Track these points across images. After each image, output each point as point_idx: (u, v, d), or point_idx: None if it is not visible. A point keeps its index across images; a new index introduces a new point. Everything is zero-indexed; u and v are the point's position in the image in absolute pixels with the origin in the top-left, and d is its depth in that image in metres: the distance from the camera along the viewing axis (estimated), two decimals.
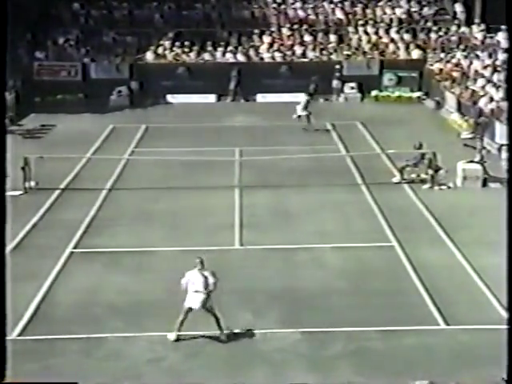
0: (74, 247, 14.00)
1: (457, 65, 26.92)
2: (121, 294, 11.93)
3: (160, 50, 29.20)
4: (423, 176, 17.79)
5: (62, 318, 11.03)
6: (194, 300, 10.39)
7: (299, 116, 23.11)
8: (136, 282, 12.39)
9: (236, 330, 10.76)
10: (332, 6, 31.20)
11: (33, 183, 17.36)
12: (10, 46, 27.64)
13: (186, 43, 29.26)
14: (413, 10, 31.00)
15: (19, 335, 10.74)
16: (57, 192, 17.29)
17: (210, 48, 29.25)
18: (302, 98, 23.45)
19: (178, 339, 10.45)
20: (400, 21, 30.55)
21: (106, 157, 20.04)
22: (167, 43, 29.39)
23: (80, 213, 15.70)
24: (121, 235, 14.62)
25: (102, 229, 14.96)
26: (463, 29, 29.86)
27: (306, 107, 23.11)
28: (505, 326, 10.66)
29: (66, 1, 30.74)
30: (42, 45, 28.97)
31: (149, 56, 29.01)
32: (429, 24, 30.40)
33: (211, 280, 10.44)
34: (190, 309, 10.44)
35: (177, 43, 29.36)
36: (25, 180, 17.22)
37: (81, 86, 27.92)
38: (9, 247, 13.70)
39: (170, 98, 27.92)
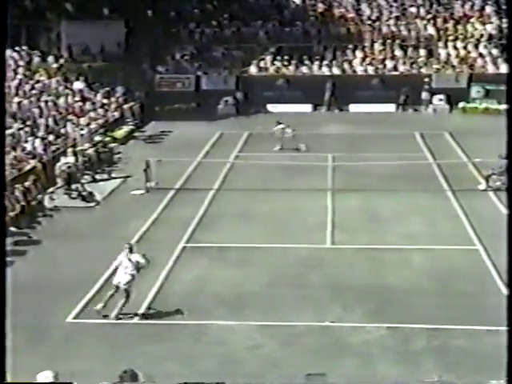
0: (187, 242, 14.36)
1: None
2: (225, 286, 12.16)
3: (262, 64, 29.47)
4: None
5: (175, 306, 11.32)
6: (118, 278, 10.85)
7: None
8: (238, 275, 12.59)
9: (327, 323, 10.73)
10: (424, 22, 30.34)
11: (153, 183, 17.90)
12: (136, 61, 29.16)
13: (286, 57, 29.36)
14: (504, 25, 29.61)
15: (140, 319, 11.09)
16: (172, 191, 17.80)
17: (307, 62, 29.20)
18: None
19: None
20: (490, 36, 29.27)
21: (214, 160, 20.45)
22: (269, 57, 29.60)
23: (191, 211, 16.08)
24: (226, 231, 14.89)
25: (210, 225, 15.29)
26: None
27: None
28: None
29: (184, 20, 31.65)
30: (162, 60, 29.96)
31: (252, 69, 29.34)
32: None
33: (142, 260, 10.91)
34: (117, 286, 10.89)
35: (277, 57, 29.51)
36: (146, 181, 17.80)
37: (193, 96, 28.53)
38: (132, 241, 14.33)
39: (270, 107, 28.10)
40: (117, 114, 25.27)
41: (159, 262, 12.98)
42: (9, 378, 7.55)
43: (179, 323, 10.90)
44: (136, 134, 24.73)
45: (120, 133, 23.94)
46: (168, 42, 30.48)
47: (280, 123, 22.13)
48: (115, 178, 19.17)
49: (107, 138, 22.27)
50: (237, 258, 13.52)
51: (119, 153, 21.81)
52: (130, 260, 10.95)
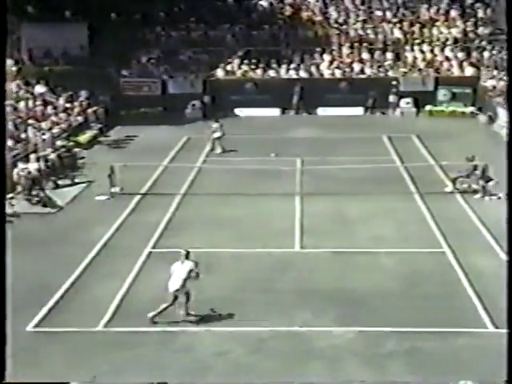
0: (153, 247, 14.29)
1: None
2: (192, 292, 12.10)
3: (230, 67, 29.53)
4: (475, 186, 17.36)
5: (141, 313, 11.23)
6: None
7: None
8: (206, 281, 12.49)
9: (295, 328, 10.77)
10: (391, 25, 30.80)
11: (118, 189, 17.79)
12: (101, 64, 28.83)
13: (254, 61, 29.47)
14: (468, 29, 30.25)
15: (105, 327, 11.03)
16: (138, 197, 17.69)
17: (274, 65, 29.37)
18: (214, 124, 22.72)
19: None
20: (455, 40, 29.85)
21: (181, 165, 20.38)
22: (236, 61, 29.68)
23: (158, 216, 16.01)
24: (193, 237, 14.80)
25: (177, 231, 15.22)
26: None
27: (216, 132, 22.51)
28: None
29: (150, 24, 31.51)
30: (128, 63, 29.77)
31: (220, 73, 29.37)
32: (483, 43, 29.58)
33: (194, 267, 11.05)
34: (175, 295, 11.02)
35: (245, 61, 29.61)
36: (111, 186, 17.68)
37: (160, 100, 28.42)
38: (96, 248, 14.21)
39: (238, 111, 28.16)
40: (80, 119, 24.99)
41: (124, 267, 12.88)
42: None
43: (144, 330, 10.83)
44: (100, 138, 24.51)
45: (84, 137, 23.69)
46: (133, 46, 30.28)
47: (217, 121, 22.62)
48: (78, 183, 18.96)
49: (70, 143, 22.03)
50: (204, 263, 13.36)
51: (83, 158, 21.58)
52: (182, 267, 11.00)
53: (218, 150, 22.30)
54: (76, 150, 21.81)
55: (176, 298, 10.99)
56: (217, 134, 22.67)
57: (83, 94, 26.66)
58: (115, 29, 30.36)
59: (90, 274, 13.02)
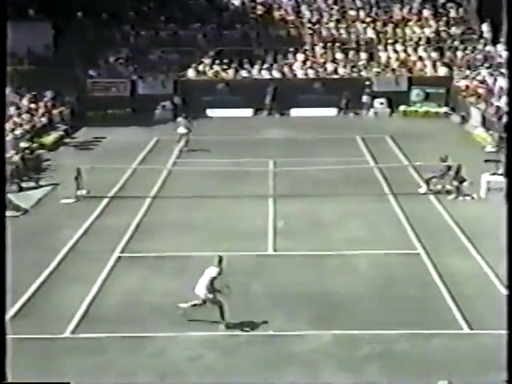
0: (121, 252, 14.17)
1: (482, 82, 26.56)
2: (163, 296, 12.04)
3: (201, 68, 29.48)
4: (448, 187, 17.59)
5: (110, 318, 11.18)
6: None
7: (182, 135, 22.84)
8: (177, 285, 12.48)
9: (270, 332, 10.77)
10: (364, 25, 31.11)
11: (84, 192, 17.63)
12: (67, 64, 28.50)
13: (225, 61, 29.48)
14: (441, 29, 30.71)
15: (72, 333, 10.90)
16: (106, 200, 17.53)
17: (247, 65, 29.42)
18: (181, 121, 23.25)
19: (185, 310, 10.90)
20: (428, 39, 30.28)
21: (151, 167, 20.27)
22: (208, 61, 29.66)
23: (126, 219, 15.89)
24: (163, 240, 14.75)
25: (146, 234, 15.13)
26: (489, 47, 29.43)
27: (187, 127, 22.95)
28: None
29: (118, 22, 31.30)
30: (95, 63, 29.51)
31: (191, 73, 29.30)
32: (456, 43, 30.06)
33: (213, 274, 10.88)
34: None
35: (217, 61, 29.59)
36: (77, 189, 17.51)
37: (129, 101, 28.27)
38: (61, 252, 14.03)
39: (210, 112, 28.13)
40: (45, 120, 24.69)
41: (91, 273, 12.75)
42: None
43: (115, 336, 10.72)
44: (66, 140, 24.25)
45: (48, 139, 23.42)
46: (101, 45, 30.05)
47: (186, 117, 22.99)
48: (43, 186, 18.72)
49: (34, 145, 21.73)
50: (175, 267, 13.42)
51: (48, 160, 21.29)
52: (207, 272, 10.92)
53: (181, 144, 22.26)
54: (40, 151, 21.53)
55: (204, 302, 10.89)
56: (182, 130, 22.68)
57: (48, 94, 26.35)
58: (82, 28, 30.09)
59: (56, 278, 12.85)
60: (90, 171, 17.85)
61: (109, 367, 9.84)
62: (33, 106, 25.02)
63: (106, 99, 27.72)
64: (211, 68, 29.40)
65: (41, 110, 25.04)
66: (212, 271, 10.89)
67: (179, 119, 23.20)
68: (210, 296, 10.86)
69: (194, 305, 10.99)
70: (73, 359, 10.01)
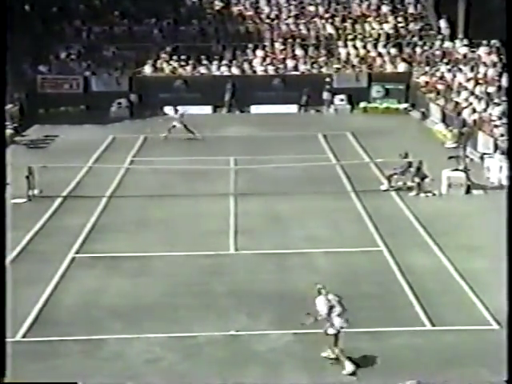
0: (76, 252, 13.97)
1: (441, 78, 27.09)
2: (121, 298, 11.90)
3: (158, 64, 29.25)
4: (410, 184, 17.86)
5: (64, 321, 11.00)
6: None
7: (174, 126, 23.43)
8: (135, 286, 12.37)
9: (231, 332, 10.74)
10: (323, 21, 31.36)
11: (36, 191, 17.33)
12: (14, 60, 27.78)
13: (183, 57, 29.32)
14: (399, 25, 31.20)
15: (23, 337, 10.69)
16: (59, 200, 17.25)
17: (205, 62, 29.32)
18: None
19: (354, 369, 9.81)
20: (387, 36, 30.73)
21: (107, 166, 20.03)
22: (165, 57, 29.44)
23: (82, 219, 15.67)
24: (120, 241, 14.59)
25: (103, 234, 14.94)
26: (447, 43, 30.03)
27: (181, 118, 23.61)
28: (488, 327, 10.79)
29: (69, 17, 30.80)
30: (45, 59, 28.97)
31: (147, 69, 29.06)
32: (414, 39, 30.59)
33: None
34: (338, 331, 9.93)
35: (174, 57, 29.41)
36: (29, 188, 17.19)
37: (82, 98, 27.93)
38: (12, 253, 13.72)
39: (167, 109, 27.90)
40: None
41: (44, 274, 12.55)
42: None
43: (69, 339, 10.53)
44: (16, 138, 23.74)
45: None
46: (50, 40, 29.54)
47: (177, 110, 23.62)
48: None
49: None
50: (133, 267, 13.28)
51: None
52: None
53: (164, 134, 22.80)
54: None
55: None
56: (175, 123, 23.15)
57: None
58: (29, 22, 29.51)
59: (7, 280, 12.52)
60: (42, 170, 17.54)
61: (62, 371, 9.66)
62: None
63: (57, 96, 27.35)
64: (168, 64, 29.21)
65: None
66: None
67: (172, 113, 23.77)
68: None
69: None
70: (24, 364, 9.78)
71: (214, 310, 11.51)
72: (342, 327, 9.90)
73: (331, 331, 9.88)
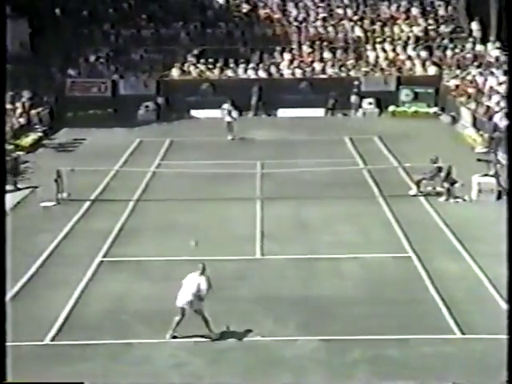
0: (104, 256, 14.13)
1: (472, 81, 26.80)
2: (147, 302, 12.02)
3: (185, 67, 29.47)
4: (439, 189, 17.72)
5: (91, 325, 11.13)
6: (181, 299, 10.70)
7: (229, 122, 23.88)
8: (161, 290, 12.43)
9: (257, 337, 10.79)
10: (351, 24, 31.27)
11: (65, 194, 17.56)
12: (44, 63, 28.31)
13: (210, 60, 29.49)
14: (430, 27, 30.97)
15: (52, 340, 10.84)
16: (87, 203, 17.46)
17: (232, 65, 29.45)
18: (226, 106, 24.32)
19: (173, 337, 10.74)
20: (417, 38, 30.52)
21: (134, 169, 20.21)
22: (192, 60, 29.65)
23: (109, 223, 15.84)
24: (147, 245, 14.72)
25: (130, 238, 15.09)
26: (478, 46, 29.72)
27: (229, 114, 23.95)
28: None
29: (98, 21, 31.22)
30: (74, 63, 29.39)
31: (174, 73, 29.27)
32: (445, 41, 30.33)
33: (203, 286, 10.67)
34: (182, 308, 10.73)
35: (201, 60, 29.60)
36: (57, 192, 17.42)
37: (110, 101, 28.20)
38: (42, 256, 13.95)
39: (194, 112, 28.13)
40: (22, 120, 24.55)
41: (72, 278, 12.68)
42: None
43: (96, 343, 10.68)
44: (45, 141, 24.12)
45: (26, 140, 23.30)
46: (80, 44, 29.96)
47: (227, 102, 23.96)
48: (21, 188, 18.62)
49: (11, 146, 21.59)
50: (158, 272, 13.40)
51: (26, 162, 21.16)
52: (194, 280, 10.75)
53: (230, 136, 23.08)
54: (18, 153, 21.40)
55: (184, 311, 10.71)
56: (228, 118, 23.50)
57: (26, 94, 26.20)
58: (59, 26, 29.97)
59: (36, 283, 12.80)
60: (70, 173, 17.77)
61: (89, 375, 9.77)
62: (10, 106, 24.84)
63: (86, 99, 27.65)
64: (195, 67, 29.41)
65: (18, 111, 24.89)
66: (201, 282, 10.70)
67: (225, 105, 23.98)
68: (200, 306, 10.72)
69: (177, 324, 10.80)
70: (53, 367, 9.94)
71: (240, 314, 11.55)
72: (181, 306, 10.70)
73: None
